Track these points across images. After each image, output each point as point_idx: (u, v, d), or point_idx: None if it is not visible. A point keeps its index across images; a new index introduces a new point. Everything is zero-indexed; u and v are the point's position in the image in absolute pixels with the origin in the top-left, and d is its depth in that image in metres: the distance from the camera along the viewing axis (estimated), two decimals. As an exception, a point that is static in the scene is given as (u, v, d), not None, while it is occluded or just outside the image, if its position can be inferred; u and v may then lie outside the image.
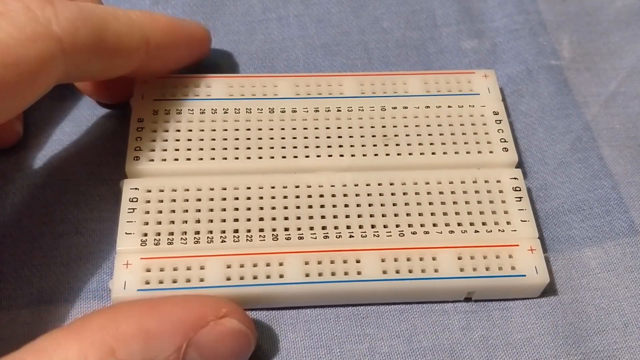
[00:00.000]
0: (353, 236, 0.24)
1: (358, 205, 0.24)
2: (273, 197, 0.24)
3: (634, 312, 0.24)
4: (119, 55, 0.23)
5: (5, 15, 0.20)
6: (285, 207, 0.24)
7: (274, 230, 0.24)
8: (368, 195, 0.25)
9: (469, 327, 0.24)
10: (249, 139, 0.26)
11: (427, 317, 0.24)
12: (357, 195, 0.25)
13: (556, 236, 0.26)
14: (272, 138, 0.26)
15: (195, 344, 0.20)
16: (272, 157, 0.25)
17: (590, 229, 0.26)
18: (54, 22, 0.20)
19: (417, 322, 0.24)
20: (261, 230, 0.24)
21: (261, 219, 0.24)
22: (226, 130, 0.26)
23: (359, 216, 0.24)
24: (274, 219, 0.24)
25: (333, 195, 0.25)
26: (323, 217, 0.24)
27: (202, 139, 0.25)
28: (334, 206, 0.24)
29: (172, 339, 0.20)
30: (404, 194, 0.25)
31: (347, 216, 0.24)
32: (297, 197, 0.24)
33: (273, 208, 0.24)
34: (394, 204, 0.24)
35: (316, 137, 0.26)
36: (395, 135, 0.26)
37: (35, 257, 0.24)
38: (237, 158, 0.25)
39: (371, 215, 0.24)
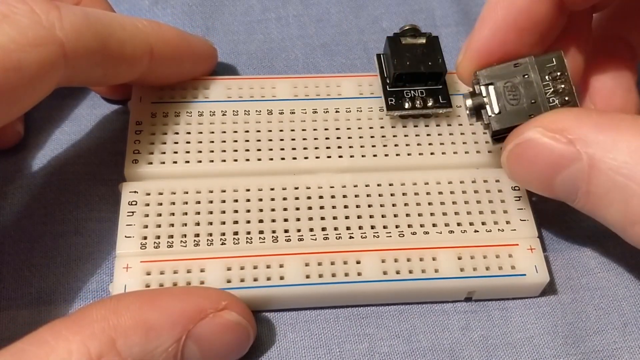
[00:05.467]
0: (353, 237, 0.24)
1: (357, 206, 0.24)
2: (272, 199, 0.24)
3: (633, 311, 0.24)
4: (122, 63, 0.23)
5: (9, 18, 0.20)
6: (285, 209, 0.24)
7: (273, 232, 0.24)
8: (367, 196, 0.25)
9: (468, 327, 0.24)
10: (247, 140, 0.25)
11: (427, 317, 0.24)
12: (356, 196, 0.25)
13: (556, 236, 0.26)
14: (270, 140, 0.26)
15: (194, 336, 0.20)
16: (271, 159, 0.25)
17: (590, 229, 0.26)
18: (58, 27, 0.20)
19: (416, 322, 0.24)
20: (261, 232, 0.24)
21: (261, 221, 0.24)
22: (225, 132, 0.26)
23: (359, 217, 0.24)
24: (273, 220, 0.24)
25: (332, 197, 0.25)
26: (323, 218, 0.24)
27: (201, 142, 0.25)
28: (334, 207, 0.24)
29: (171, 331, 0.20)
30: (404, 194, 0.25)
31: (347, 217, 0.24)
32: (297, 198, 0.24)
33: (273, 210, 0.24)
34: (394, 205, 0.25)
35: (315, 139, 0.26)
36: (394, 136, 0.26)
37: (35, 257, 0.24)
38: (236, 160, 0.25)
39: (371, 216, 0.24)
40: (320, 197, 0.25)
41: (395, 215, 0.24)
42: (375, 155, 0.25)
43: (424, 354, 0.23)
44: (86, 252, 0.25)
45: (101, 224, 0.25)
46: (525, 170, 0.22)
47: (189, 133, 0.26)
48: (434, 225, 0.24)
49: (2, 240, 0.25)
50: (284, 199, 0.24)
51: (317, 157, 0.25)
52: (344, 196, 0.25)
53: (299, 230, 0.24)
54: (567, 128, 0.20)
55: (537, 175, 0.21)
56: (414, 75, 0.26)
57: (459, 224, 0.24)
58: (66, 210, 0.25)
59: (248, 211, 0.24)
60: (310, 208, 0.24)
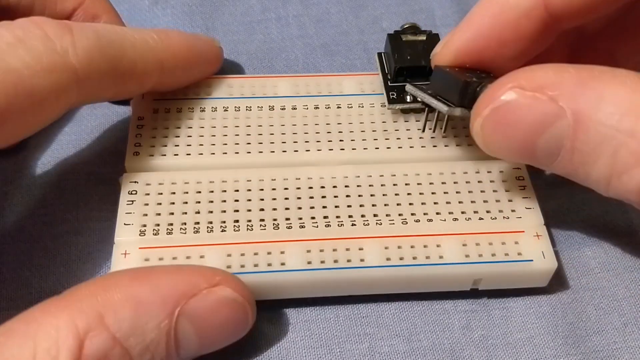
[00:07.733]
0: (355, 224, 0.24)
1: (360, 195, 0.24)
2: (274, 189, 0.24)
3: (633, 311, 0.24)
4: (132, 82, 0.23)
5: (24, 42, 0.20)
6: (286, 198, 0.24)
7: (274, 219, 0.23)
8: (370, 185, 0.25)
9: (469, 326, 0.24)
10: (249, 134, 0.26)
11: (427, 316, 0.24)
12: (358, 185, 0.24)
13: (556, 236, 0.26)
14: (272, 133, 0.26)
15: (187, 312, 0.20)
16: (273, 152, 0.25)
17: (590, 229, 0.26)
18: (71, 53, 0.21)
19: (417, 322, 0.24)
20: (262, 220, 0.23)
21: (262, 209, 0.24)
22: (226, 127, 0.26)
23: (361, 205, 0.24)
24: (274, 209, 0.24)
25: (334, 186, 0.24)
26: (324, 206, 0.24)
27: (202, 135, 0.25)
28: (335, 196, 0.24)
29: (162, 307, 0.19)
30: (406, 184, 0.25)
31: (349, 206, 0.24)
32: (298, 188, 0.24)
33: (274, 199, 0.24)
34: (396, 194, 0.24)
35: (316, 133, 0.26)
36: (396, 130, 0.26)
37: (35, 257, 0.24)
38: (237, 153, 0.25)
39: (373, 205, 0.24)
40: (322, 187, 0.24)
41: (398, 204, 0.24)
42: (377, 148, 0.25)
43: (424, 353, 0.23)
44: (86, 252, 0.25)
45: (101, 223, 0.25)
46: (504, 137, 0.20)
47: (190, 127, 0.26)
48: (437, 213, 0.24)
49: (2, 240, 0.24)
50: (286, 188, 0.24)
51: (318, 150, 0.25)
52: (346, 186, 0.24)
53: (300, 219, 0.24)
54: (547, 85, 0.19)
55: (518, 139, 0.20)
56: (414, 70, 0.26)
57: (463, 212, 0.24)
58: (66, 210, 0.25)
59: (249, 200, 0.24)
60: (312, 197, 0.24)
